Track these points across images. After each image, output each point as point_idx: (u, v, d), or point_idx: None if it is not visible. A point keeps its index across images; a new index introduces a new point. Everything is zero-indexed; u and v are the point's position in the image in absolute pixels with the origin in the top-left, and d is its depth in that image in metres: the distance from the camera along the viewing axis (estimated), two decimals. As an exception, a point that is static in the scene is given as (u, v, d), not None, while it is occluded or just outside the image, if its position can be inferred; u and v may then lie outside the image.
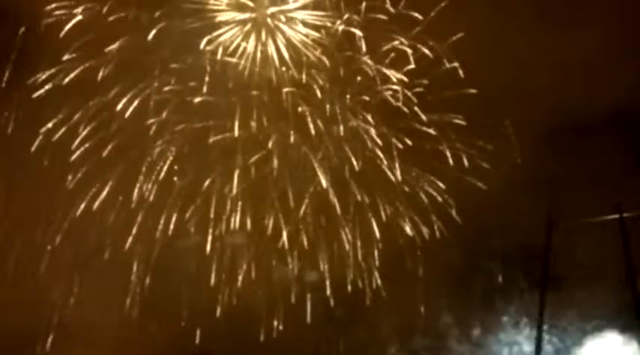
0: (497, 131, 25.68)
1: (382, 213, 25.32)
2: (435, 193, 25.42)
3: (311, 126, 24.89)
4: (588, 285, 26.05)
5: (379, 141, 25.08)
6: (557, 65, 25.35)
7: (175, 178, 25.12)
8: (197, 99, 24.66)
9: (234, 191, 24.90)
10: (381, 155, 25.08)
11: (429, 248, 25.77)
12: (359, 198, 25.10)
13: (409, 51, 24.53)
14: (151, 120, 24.83)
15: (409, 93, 24.90)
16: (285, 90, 24.76)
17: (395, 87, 24.77)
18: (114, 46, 24.27)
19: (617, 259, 25.84)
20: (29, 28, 24.68)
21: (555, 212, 26.42)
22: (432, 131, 25.05)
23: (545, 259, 26.54)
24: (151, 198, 24.99)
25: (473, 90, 24.67)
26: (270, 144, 24.93)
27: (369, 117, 25.21)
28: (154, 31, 24.08)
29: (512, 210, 26.01)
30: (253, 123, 24.92)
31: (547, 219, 26.48)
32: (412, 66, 24.60)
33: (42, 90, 24.51)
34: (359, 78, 25.11)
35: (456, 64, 24.52)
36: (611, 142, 25.82)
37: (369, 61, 24.84)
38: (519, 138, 25.86)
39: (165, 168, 25.09)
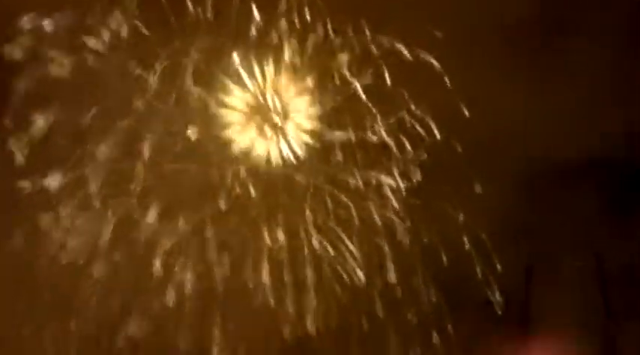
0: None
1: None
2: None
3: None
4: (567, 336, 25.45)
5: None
6: (535, 113, 24.72)
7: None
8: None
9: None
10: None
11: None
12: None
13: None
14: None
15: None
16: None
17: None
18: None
19: (597, 309, 25.51)
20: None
21: (533, 261, 25.75)
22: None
23: (524, 312, 25.83)
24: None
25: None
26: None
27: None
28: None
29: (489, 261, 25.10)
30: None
31: (525, 270, 25.79)
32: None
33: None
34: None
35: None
36: (590, 190, 25.29)
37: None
38: (495, 187, 25.00)
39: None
